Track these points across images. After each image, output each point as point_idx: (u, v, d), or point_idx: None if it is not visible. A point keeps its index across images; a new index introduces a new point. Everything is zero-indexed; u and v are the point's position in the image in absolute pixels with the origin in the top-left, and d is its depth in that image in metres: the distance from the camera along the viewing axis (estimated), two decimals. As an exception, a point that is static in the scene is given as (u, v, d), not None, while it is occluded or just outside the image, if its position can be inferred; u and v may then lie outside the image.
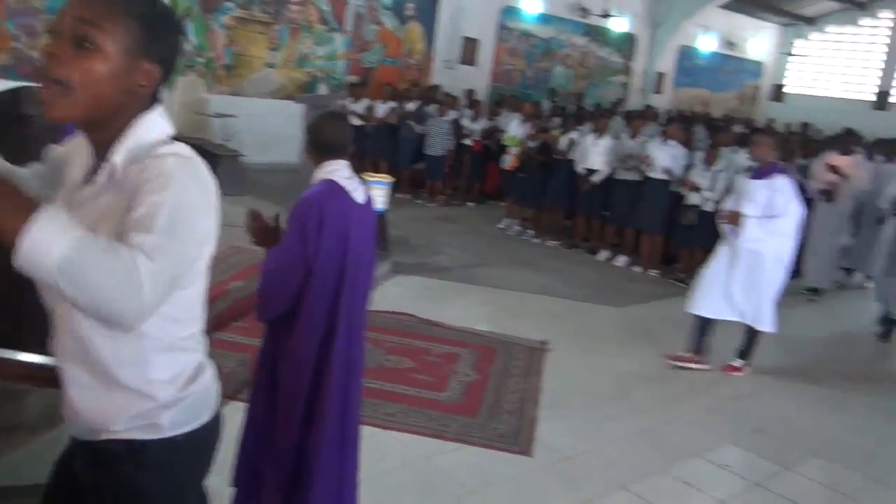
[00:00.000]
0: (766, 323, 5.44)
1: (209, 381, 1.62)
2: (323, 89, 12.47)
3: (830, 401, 5.34)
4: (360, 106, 11.23)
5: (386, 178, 7.00)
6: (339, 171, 2.69)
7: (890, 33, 20.19)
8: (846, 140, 8.70)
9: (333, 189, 2.65)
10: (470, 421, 4.26)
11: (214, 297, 5.19)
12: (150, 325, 1.38)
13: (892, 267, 6.71)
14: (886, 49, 20.26)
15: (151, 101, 1.50)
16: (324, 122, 2.73)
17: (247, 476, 2.81)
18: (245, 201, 8.24)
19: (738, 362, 5.59)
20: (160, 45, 1.45)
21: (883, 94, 20.20)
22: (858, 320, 7.69)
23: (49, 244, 1.18)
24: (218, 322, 4.99)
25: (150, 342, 1.46)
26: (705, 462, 4.18)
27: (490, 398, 4.59)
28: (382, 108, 11.15)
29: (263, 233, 2.77)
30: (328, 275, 2.62)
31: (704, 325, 5.52)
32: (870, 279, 8.45)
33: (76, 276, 1.19)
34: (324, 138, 2.69)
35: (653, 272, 8.33)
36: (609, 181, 8.66)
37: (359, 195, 2.73)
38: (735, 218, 5.24)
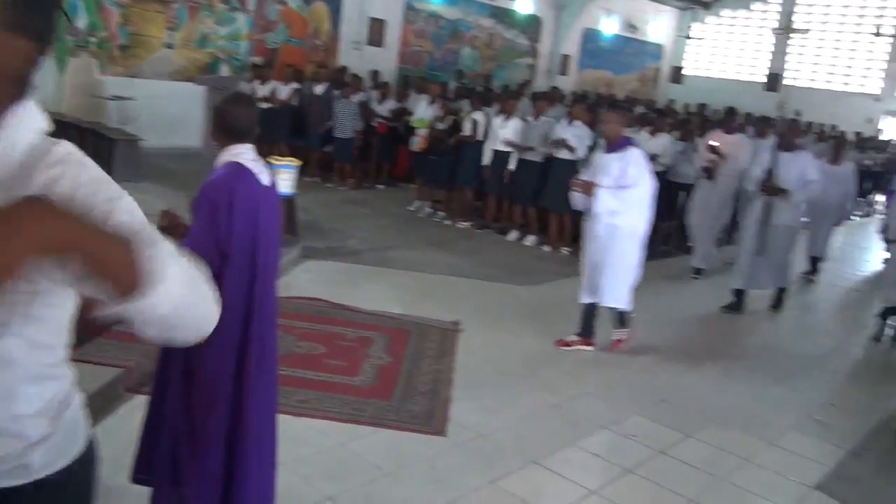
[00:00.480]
0: (618, 300, 5.44)
1: (78, 410, 1.41)
2: (225, 70, 12.11)
3: (728, 371, 5.61)
4: (265, 88, 10.96)
5: (292, 162, 6.87)
6: (244, 153, 2.65)
7: (779, 17, 21.24)
8: (729, 119, 9.01)
9: (241, 171, 2.61)
10: (384, 404, 4.27)
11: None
12: (18, 351, 1.20)
13: (761, 246, 6.82)
14: (774, 32, 21.31)
15: (24, 87, 1.19)
16: (230, 106, 2.67)
17: (164, 470, 2.74)
18: (144, 187, 7.97)
19: (618, 333, 5.65)
20: (33, 17, 1.15)
21: (773, 76, 21.28)
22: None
23: (166, 289, 1.07)
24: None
25: (17, 372, 1.23)
26: (612, 433, 4.33)
27: (404, 381, 4.61)
28: (285, 91, 10.92)
29: (178, 231, 2.70)
30: (242, 258, 2.58)
31: (590, 309, 5.56)
32: None
33: (189, 309, 1.14)
34: (230, 122, 2.64)
35: (564, 250, 8.51)
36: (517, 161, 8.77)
37: (264, 178, 2.69)
38: (588, 188, 5.25)
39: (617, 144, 5.31)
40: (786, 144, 6.72)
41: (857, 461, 4.39)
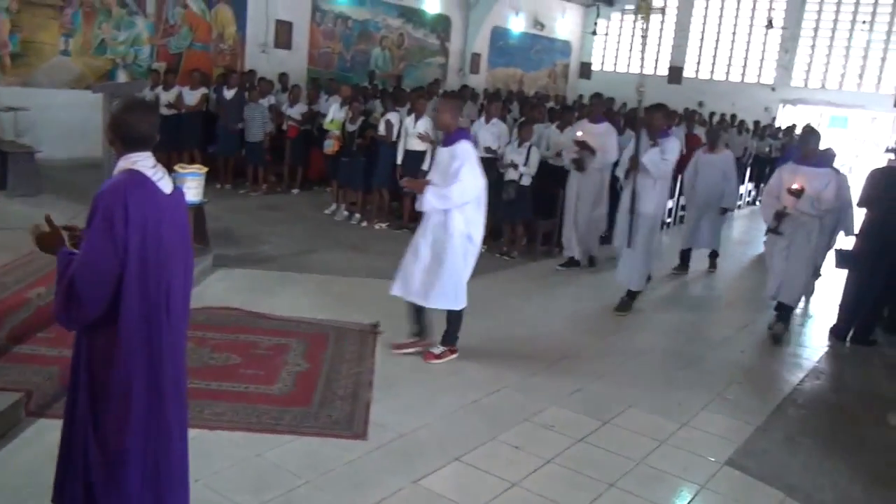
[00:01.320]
0: (444, 300, 5.06)
1: None
2: (123, 76, 11.69)
3: (640, 359, 5.77)
4: (169, 94, 10.65)
5: (199, 169, 6.69)
6: (142, 161, 2.55)
7: (677, 13, 22.00)
8: (595, 108, 8.56)
9: (137, 179, 2.50)
10: (303, 411, 4.20)
11: (15, 307, 4.75)
12: None
13: (632, 238, 6.66)
14: (674, 28, 22.08)
15: None
16: (125, 113, 2.56)
17: (77, 497, 2.62)
18: (43, 201, 7.62)
19: (437, 349, 5.22)
20: None
21: (675, 69, 22.02)
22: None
23: None
24: (20, 333, 4.58)
25: None
26: (532, 425, 4.39)
27: (322, 386, 4.55)
28: (193, 96, 10.64)
29: (48, 239, 2.60)
30: (142, 269, 2.48)
31: (417, 307, 5.25)
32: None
33: None
34: (126, 129, 2.54)
35: (482, 247, 8.54)
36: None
37: (165, 186, 2.59)
38: (415, 185, 5.09)
39: (449, 137, 5.02)
40: (650, 131, 6.54)
41: (764, 436, 4.59)
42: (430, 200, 4.89)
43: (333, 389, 4.52)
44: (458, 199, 4.86)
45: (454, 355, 5.25)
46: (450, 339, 5.26)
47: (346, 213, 9.61)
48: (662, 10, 20.49)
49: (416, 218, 9.14)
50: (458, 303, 5.15)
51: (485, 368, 5.17)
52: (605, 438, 4.31)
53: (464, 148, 4.93)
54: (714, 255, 9.14)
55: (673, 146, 6.57)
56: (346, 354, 5.08)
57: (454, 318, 5.23)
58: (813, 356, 6.26)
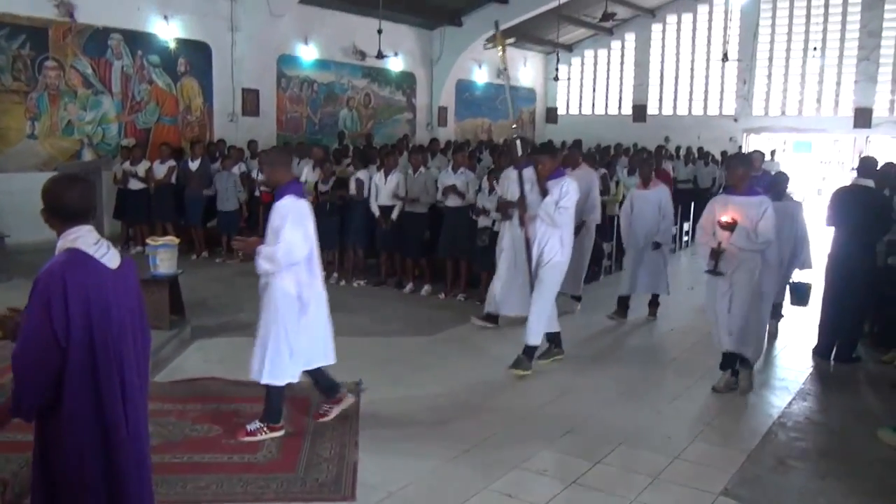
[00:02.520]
0: (256, 370, 4.59)
1: None
2: (89, 155, 11.71)
3: (627, 393, 5.74)
4: (140, 168, 10.68)
5: (171, 241, 6.67)
6: (82, 237, 2.49)
7: (634, 54, 22.56)
8: (571, 154, 8.53)
9: (78, 258, 2.44)
10: (289, 477, 4.12)
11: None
12: None
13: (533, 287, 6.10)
14: (634, 68, 22.61)
15: None
16: (57, 186, 2.51)
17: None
18: (15, 285, 7.54)
19: (253, 424, 4.63)
20: None
21: (639, 108, 22.49)
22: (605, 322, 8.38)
23: None
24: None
25: None
26: (523, 471, 4.32)
27: (307, 449, 4.47)
28: (162, 169, 10.68)
29: (12, 327, 2.54)
30: (89, 350, 2.41)
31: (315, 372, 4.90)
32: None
33: None
34: (60, 203, 2.49)
35: (460, 297, 8.57)
36: (402, 215, 8.84)
37: (110, 260, 2.54)
38: (245, 246, 4.75)
39: (277, 193, 4.54)
40: (538, 176, 6.02)
41: (756, 462, 4.56)
42: (260, 264, 4.45)
43: (319, 452, 4.44)
44: (284, 259, 4.42)
45: (275, 433, 4.61)
46: (266, 415, 4.63)
47: (322, 273, 9.57)
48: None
49: (394, 273, 9.22)
50: (275, 376, 4.51)
51: (470, 418, 5.11)
52: (597, 479, 4.25)
53: (287, 204, 4.43)
54: (654, 302, 8.16)
55: (567, 189, 5.90)
56: (331, 415, 5.00)
57: (272, 393, 4.62)
58: (798, 378, 6.27)
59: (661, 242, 7.90)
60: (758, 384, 6.04)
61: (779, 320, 7.55)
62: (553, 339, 6.38)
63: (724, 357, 5.80)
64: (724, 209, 5.55)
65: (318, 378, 4.93)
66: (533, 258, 6.04)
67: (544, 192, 5.97)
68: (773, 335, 7.25)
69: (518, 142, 6.39)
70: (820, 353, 6.77)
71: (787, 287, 7.33)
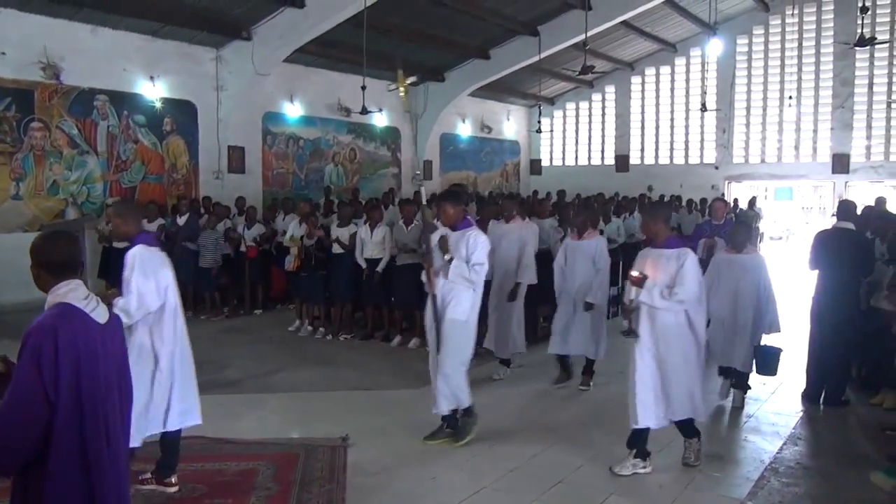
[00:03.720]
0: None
1: None
2: (73, 214, 11.73)
3: (619, 444, 5.68)
4: (124, 227, 10.68)
5: (156, 298, 6.62)
6: (73, 291, 2.51)
7: (615, 106, 23.01)
8: (505, 205, 7.98)
9: (69, 312, 2.46)
10: (275, 537, 4.03)
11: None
12: None
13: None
14: (615, 119, 23.03)
15: None
16: (46, 242, 2.54)
17: None
18: (5, 347, 7.44)
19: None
20: None
21: (622, 158, 22.82)
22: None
23: None
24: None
25: None
26: (514, 524, 4.26)
27: (294, 507, 4.39)
28: (149, 228, 10.67)
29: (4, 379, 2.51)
30: (77, 407, 2.39)
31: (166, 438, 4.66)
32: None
33: None
34: (50, 257, 2.51)
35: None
36: (391, 268, 8.85)
37: (99, 315, 2.55)
38: (102, 296, 4.18)
39: (130, 244, 4.43)
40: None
41: (750, 509, 4.51)
42: (121, 316, 4.07)
43: (306, 510, 4.36)
44: (136, 312, 4.25)
45: (170, 489, 4.52)
46: (159, 470, 4.57)
47: (309, 328, 9.54)
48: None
49: (380, 326, 9.19)
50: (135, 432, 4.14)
51: (462, 469, 5.05)
52: (589, 530, 4.18)
53: (136, 252, 4.31)
54: (589, 369, 7.18)
55: (475, 243, 5.35)
56: (317, 472, 4.93)
57: (168, 447, 4.58)
58: (789, 422, 6.24)
59: (593, 302, 6.95)
60: (749, 429, 6.01)
61: (745, 392, 6.66)
62: (449, 421, 5.58)
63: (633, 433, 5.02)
64: (642, 263, 5.00)
65: (162, 447, 4.61)
66: (439, 313, 5.42)
67: (445, 247, 5.36)
68: (740, 407, 6.51)
69: (421, 189, 6.28)
70: (809, 397, 6.76)
71: (754, 353, 6.47)
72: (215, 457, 5.16)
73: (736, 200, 18.72)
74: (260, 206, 13.32)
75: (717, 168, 21.30)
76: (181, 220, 10.69)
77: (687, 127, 21.98)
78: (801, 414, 6.50)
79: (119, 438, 2.55)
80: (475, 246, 5.36)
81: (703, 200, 17.08)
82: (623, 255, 10.81)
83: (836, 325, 6.54)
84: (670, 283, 4.83)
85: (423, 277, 5.58)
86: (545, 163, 24.38)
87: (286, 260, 9.63)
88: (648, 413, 4.94)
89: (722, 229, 7.81)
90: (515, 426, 6.01)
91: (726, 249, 6.61)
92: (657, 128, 22.50)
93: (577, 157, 23.93)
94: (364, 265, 8.89)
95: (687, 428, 5.13)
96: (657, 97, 22.41)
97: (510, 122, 23.15)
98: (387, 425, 5.96)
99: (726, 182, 21.30)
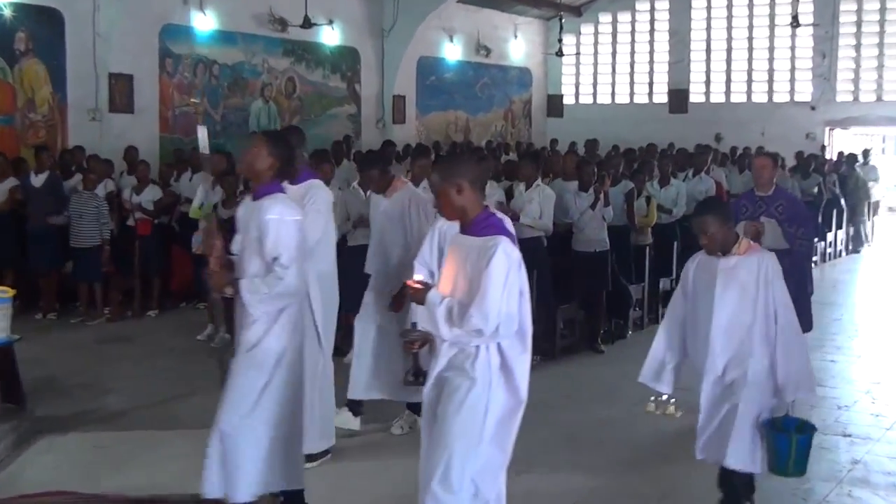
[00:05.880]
0: None
1: None
2: None
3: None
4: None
5: (2, 293, 6.63)
6: None
7: (670, 20, 22.85)
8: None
9: None
10: None
11: None
12: None
13: None
14: (669, 39, 22.90)
15: None
16: None
17: None
18: None
19: None
20: None
21: (677, 94, 22.74)
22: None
23: None
24: None
25: None
26: None
27: None
28: (-4, 192, 10.64)
29: None
30: None
31: None
32: None
33: None
34: None
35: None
36: (340, 250, 8.80)
37: None
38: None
39: None
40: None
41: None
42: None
43: None
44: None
45: None
46: None
47: (227, 335, 9.50)
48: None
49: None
50: None
51: None
52: None
53: None
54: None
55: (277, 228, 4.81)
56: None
57: None
58: None
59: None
60: (855, 480, 6.05)
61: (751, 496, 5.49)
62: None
63: None
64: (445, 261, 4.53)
65: None
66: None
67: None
68: None
69: (201, 132, 6.08)
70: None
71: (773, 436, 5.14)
72: (90, 520, 5.18)
73: (840, 155, 18.80)
74: (156, 161, 13.23)
75: (813, 109, 21.37)
76: (37, 181, 10.60)
77: (771, 50, 22.01)
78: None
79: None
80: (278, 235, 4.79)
81: (800, 154, 17.15)
82: (681, 234, 10.82)
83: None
84: (464, 294, 4.14)
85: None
86: (568, 100, 24.40)
87: (193, 239, 9.59)
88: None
89: (770, 205, 7.06)
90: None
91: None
92: (728, 51, 22.52)
93: (613, 92, 23.95)
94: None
95: None
96: (729, 7, 22.43)
97: (518, 42, 23.10)
98: (343, 475, 5.99)
99: (827, 129, 21.39)
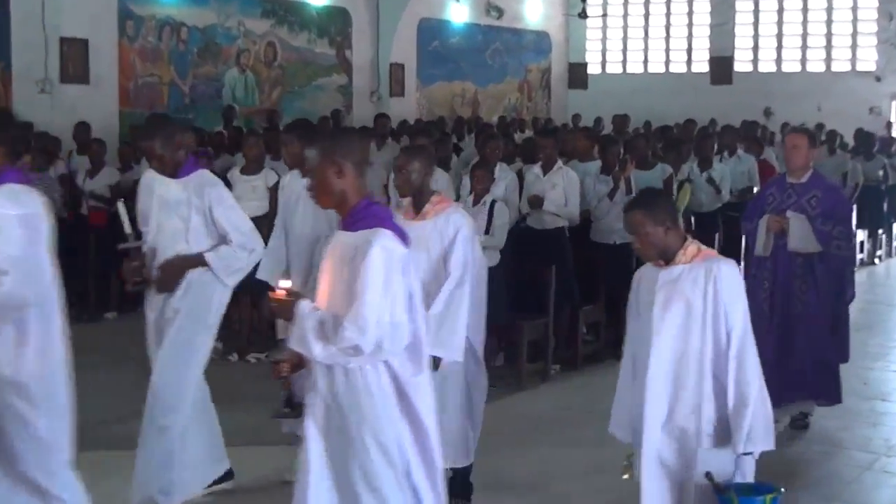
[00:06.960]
0: None
1: None
2: None
3: None
4: None
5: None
6: None
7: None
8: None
9: None
10: None
11: None
12: None
13: None
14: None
15: None
16: None
17: None
18: None
19: None
20: None
21: (720, 62, 22.66)
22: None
23: None
24: None
25: None
26: None
27: None
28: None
29: None
30: None
31: None
32: None
33: None
34: None
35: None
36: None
37: None
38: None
39: None
40: None
41: None
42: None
43: None
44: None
45: None
46: None
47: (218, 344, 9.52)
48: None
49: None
50: None
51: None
52: None
53: None
54: None
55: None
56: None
57: None
58: None
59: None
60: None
61: None
62: None
63: None
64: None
65: None
66: None
67: None
68: None
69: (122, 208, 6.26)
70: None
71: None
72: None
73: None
74: (114, 140, 13.23)
75: (878, 80, 21.31)
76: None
77: (829, 11, 21.95)
78: None
79: None
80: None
81: (859, 132, 17.04)
82: (723, 223, 10.78)
83: None
84: (338, 306, 3.90)
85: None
86: (594, 69, 24.34)
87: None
88: None
89: (802, 195, 6.86)
90: None
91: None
92: (780, 12, 22.46)
93: (646, 60, 23.90)
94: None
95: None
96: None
97: (535, 1, 23.02)
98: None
99: (894, 103, 21.30)
